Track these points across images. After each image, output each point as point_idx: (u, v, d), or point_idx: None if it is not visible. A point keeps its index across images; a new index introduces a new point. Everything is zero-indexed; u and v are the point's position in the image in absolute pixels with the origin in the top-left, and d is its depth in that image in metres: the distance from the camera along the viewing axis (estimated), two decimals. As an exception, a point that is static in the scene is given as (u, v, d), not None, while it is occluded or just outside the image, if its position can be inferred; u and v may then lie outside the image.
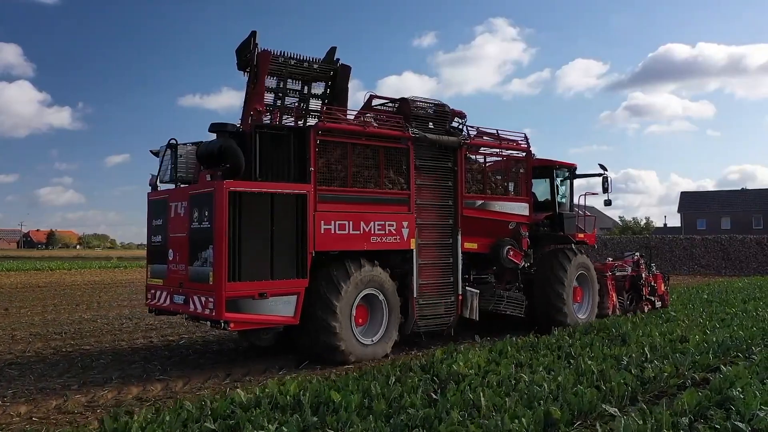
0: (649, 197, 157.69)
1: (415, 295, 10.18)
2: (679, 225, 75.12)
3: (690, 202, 75.71)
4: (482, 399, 5.90)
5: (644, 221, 74.27)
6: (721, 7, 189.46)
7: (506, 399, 6.08)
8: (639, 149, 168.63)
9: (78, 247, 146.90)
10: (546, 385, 6.71)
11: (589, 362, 7.99)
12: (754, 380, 7.04)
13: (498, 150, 12.09)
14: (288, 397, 6.34)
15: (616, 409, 6.14)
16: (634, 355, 8.62)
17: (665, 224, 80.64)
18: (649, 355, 8.63)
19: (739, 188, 77.44)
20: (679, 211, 75.55)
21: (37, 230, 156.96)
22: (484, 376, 7.36)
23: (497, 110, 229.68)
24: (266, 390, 6.58)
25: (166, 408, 6.29)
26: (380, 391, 6.54)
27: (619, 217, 76.29)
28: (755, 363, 8.21)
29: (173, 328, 13.37)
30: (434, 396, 6.48)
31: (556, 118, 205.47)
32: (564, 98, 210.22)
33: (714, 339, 9.84)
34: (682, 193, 78.22)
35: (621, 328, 11.12)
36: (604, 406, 6.16)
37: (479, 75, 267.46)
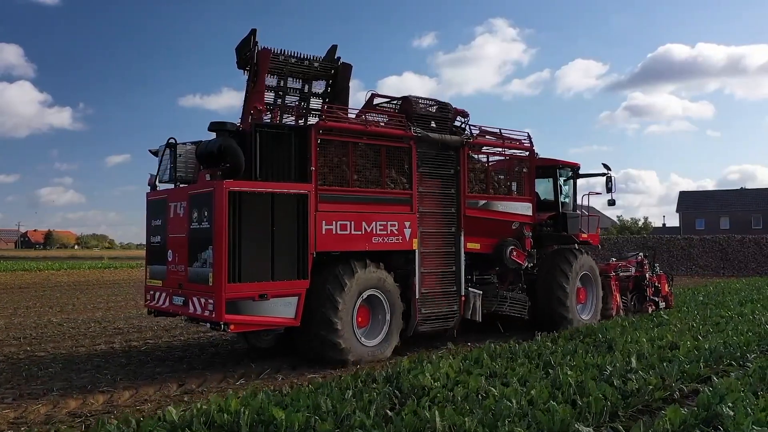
0: (649, 197, 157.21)
1: (417, 296, 9.91)
2: (678, 225, 74.34)
3: (689, 201, 74.87)
4: (437, 419, 5.24)
5: (642, 221, 73.65)
6: (721, 8, 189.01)
7: (466, 419, 5.41)
8: (639, 149, 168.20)
9: (76, 247, 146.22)
10: (516, 401, 6.07)
11: (569, 373, 7.34)
12: (747, 393, 6.38)
13: (501, 149, 11.80)
14: (226, 414, 5.69)
15: (591, 429, 5.49)
16: (618, 364, 7.94)
17: (664, 224, 79.85)
18: (634, 365, 7.94)
19: (738, 188, 76.71)
20: (677, 210, 74.69)
21: (35, 230, 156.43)
22: (451, 389, 6.72)
23: (497, 111, 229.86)
24: (203, 407, 5.92)
25: (93, 426, 5.66)
26: (331, 407, 5.90)
27: (618, 216, 75.71)
28: (749, 373, 7.55)
29: (140, 333, 12.73)
30: (389, 413, 5.84)
31: (556, 118, 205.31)
32: (564, 98, 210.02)
33: (706, 346, 9.19)
34: (680, 192, 77.46)
35: (608, 334, 10.48)
36: (577, 425, 5.48)
37: (479, 75, 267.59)
